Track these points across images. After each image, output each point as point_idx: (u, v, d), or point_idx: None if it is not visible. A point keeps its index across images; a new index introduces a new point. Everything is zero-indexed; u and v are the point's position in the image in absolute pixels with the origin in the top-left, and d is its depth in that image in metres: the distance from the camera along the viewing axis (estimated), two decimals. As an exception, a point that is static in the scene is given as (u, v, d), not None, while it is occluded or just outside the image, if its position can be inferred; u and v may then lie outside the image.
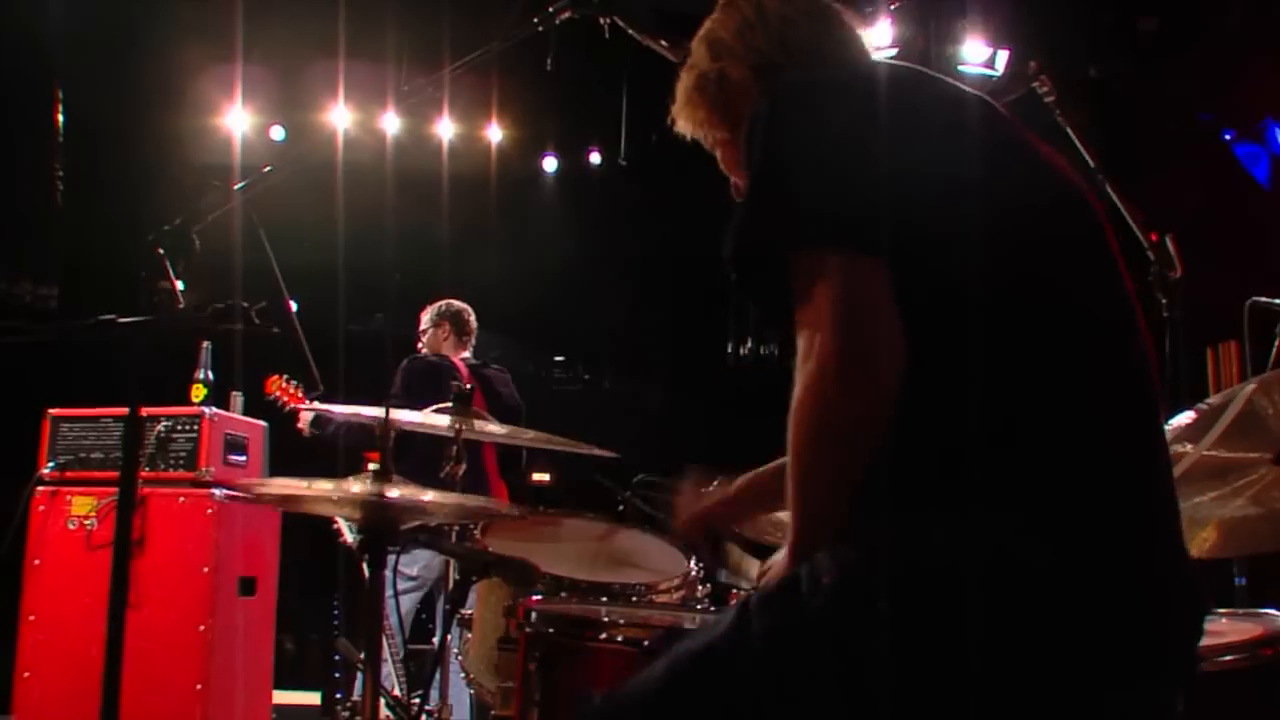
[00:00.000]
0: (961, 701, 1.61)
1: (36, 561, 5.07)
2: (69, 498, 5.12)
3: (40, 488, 5.13)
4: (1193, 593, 1.77)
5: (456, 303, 6.50)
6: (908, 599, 1.62)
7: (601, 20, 3.24)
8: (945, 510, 1.67)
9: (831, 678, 1.66)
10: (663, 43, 3.30)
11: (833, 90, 1.88)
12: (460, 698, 5.21)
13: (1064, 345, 1.76)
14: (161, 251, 3.06)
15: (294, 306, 5.21)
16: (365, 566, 2.78)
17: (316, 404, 6.20)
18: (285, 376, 6.35)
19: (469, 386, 3.79)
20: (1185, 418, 2.78)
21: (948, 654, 1.61)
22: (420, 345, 6.46)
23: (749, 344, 11.36)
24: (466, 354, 6.38)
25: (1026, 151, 1.93)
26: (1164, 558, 1.75)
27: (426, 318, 6.49)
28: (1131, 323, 1.88)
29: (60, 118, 9.13)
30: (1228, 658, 2.43)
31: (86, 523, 5.06)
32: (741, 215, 1.81)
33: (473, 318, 6.51)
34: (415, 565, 5.87)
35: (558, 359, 12.70)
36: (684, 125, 2.19)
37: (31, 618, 5.04)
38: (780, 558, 1.90)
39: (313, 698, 7.39)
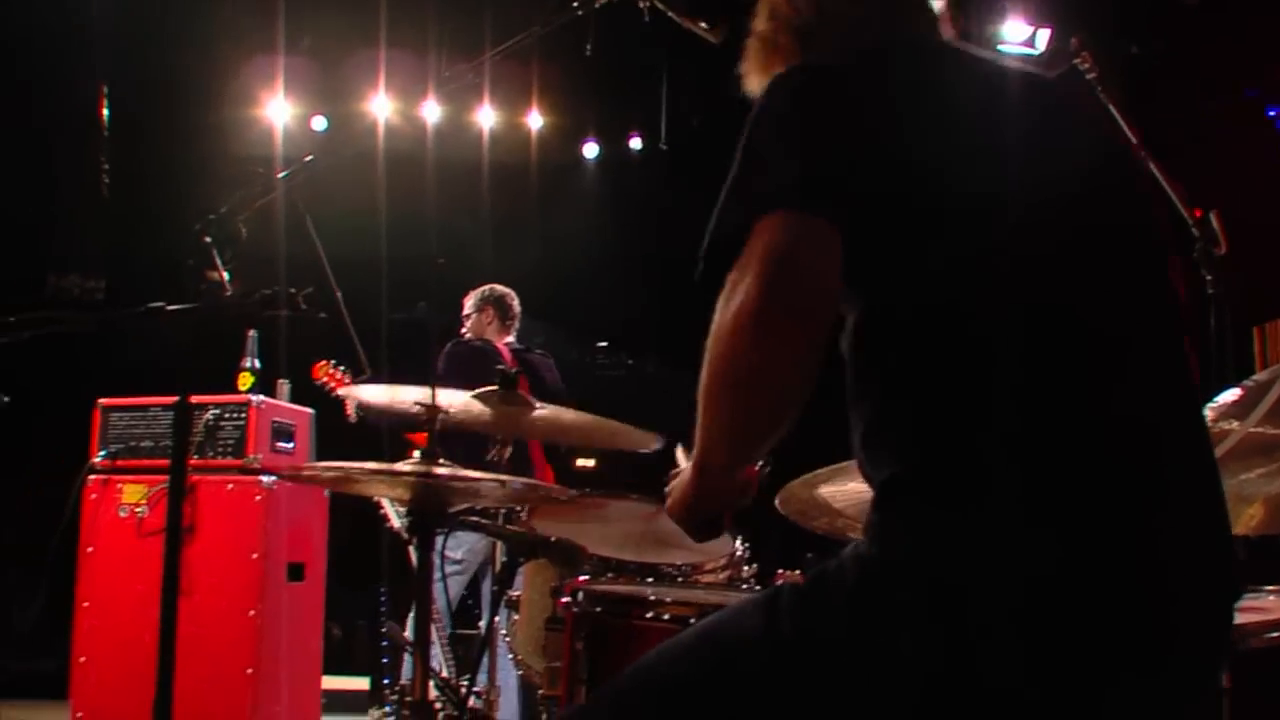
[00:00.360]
0: (976, 702, 1.61)
1: (90, 549, 5.13)
2: (120, 486, 5.18)
3: (92, 476, 5.19)
4: (1221, 591, 1.76)
5: (500, 287, 6.49)
6: (926, 605, 1.62)
7: (641, 3, 3.23)
8: (962, 508, 1.65)
9: (854, 678, 1.66)
10: (702, 25, 3.29)
11: (811, 74, 1.87)
12: (508, 680, 5.23)
13: (1084, 335, 1.73)
14: (208, 240, 3.07)
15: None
16: (413, 550, 2.80)
17: (363, 388, 6.22)
18: (332, 362, 6.38)
19: (515, 370, 3.79)
20: (1231, 395, 2.75)
21: (962, 656, 1.60)
22: (464, 330, 6.46)
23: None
24: (510, 338, 6.38)
25: (1064, 131, 1.91)
26: (1185, 555, 1.71)
27: (470, 303, 6.49)
28: (1164, 314, 1.85)
29: (105, 113, 9.20)
30: (1274, 635, 2.42)
31: (137, 510, 5.11)
32: (717, 207, 1.81)
33: (516, 302, 6.50)
34: (460, 549, 5.87)
35: (601, 345, 12.70)
36: (750, 87, 2.17)
37: (86, 604, 5.11)
38: (683, 478, 1.92)
39: (361, 683, 7.45)
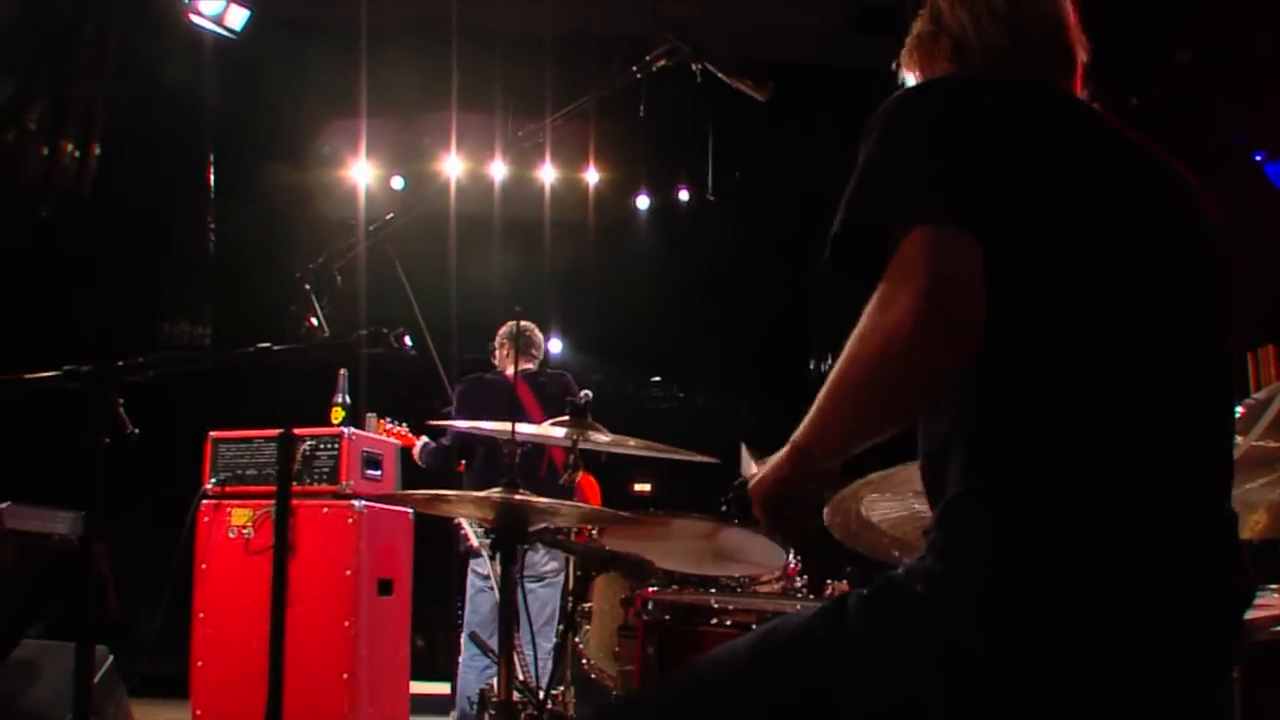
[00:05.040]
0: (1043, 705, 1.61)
1: (203, 566, 5.20)
2: (229, 510, 5.24)
3: (204, 501, 5.26)
4: (1233, 578, 1.75)
5: (522, 323, 6.40)
6: (989, 612, 1.61)
7: (694, 66, 3.24)
8: (1042, 523, 1.63)
9: (922, 680, 1.64)
10: (748, 83, 3.31)
11: (964, 89, 1.86)
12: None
13: (1162, 365, 1.74)
14: (308, 287, 3.11)
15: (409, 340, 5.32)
16: (496, 565, 2.81)
17: (423, 437, 6.32)
18: (389, 419, 6.43)
19: (582, 401, 3.81)
20: (1235, 412, 2.77)
21: (1030, 663, 1.60)
22: (495, 363, 6.42)
23: (829, 361, 11.33)
24: (530, 366, 6.32)
25: (1137, 155, 1.91)
26: (1218, 564, 1.72)
27: (496, 340, 6.48)
28: (1213, 317, 1.86)
29: (212, 176, 9.35)
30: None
31: (244, 531, 5.17)
32: (852, 193, 1.76)
33: (536, 334, 6.43)
34: (485, 565, 5.81)
35: (654, 379, 12.72)
36: (905, 77, 2.16)
37: (201, 615, 5.18)
38: (778, 458, 1.80)
39: (443, 687, 7.46)
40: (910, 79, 2.12)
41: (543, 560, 5.76)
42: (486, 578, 5.83)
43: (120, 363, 2.52)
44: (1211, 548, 1.72)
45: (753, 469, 2.38)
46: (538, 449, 5.67)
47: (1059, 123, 1.85)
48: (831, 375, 1.68)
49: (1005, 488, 1.66)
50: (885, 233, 1.69)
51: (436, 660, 8.61)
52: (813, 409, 1.72)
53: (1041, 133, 1.80)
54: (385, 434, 6.38)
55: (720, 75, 3.28)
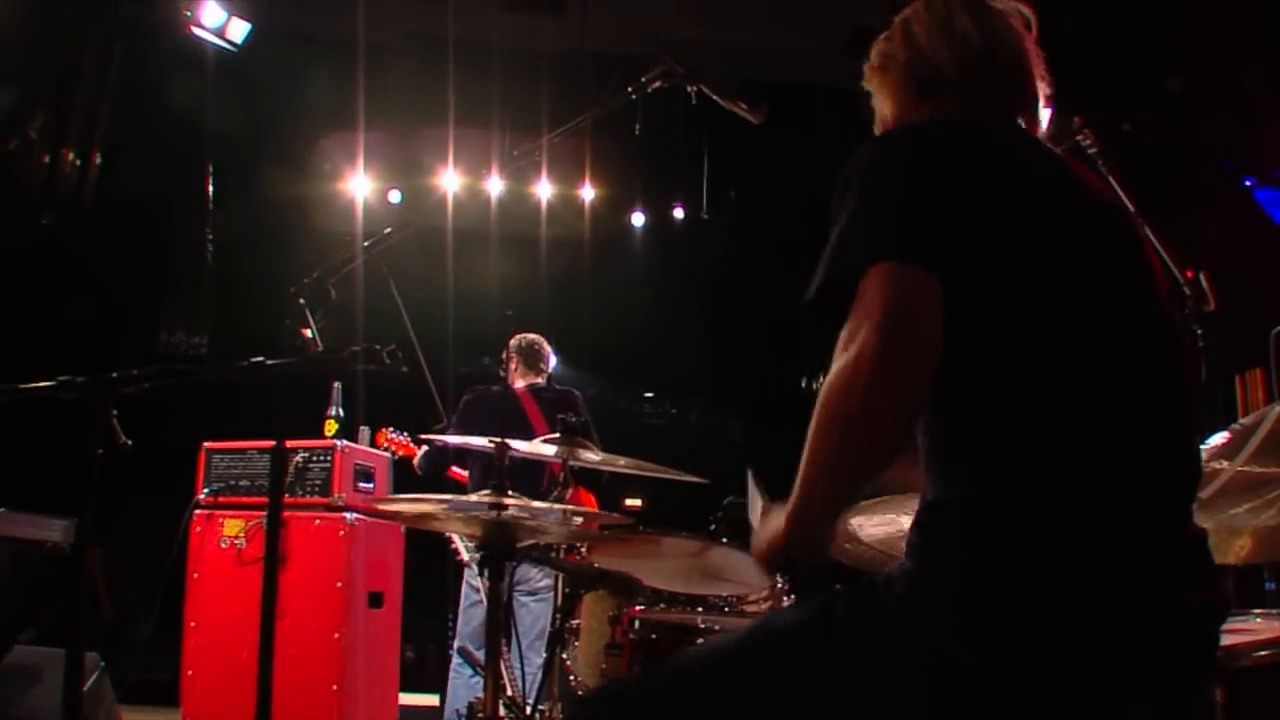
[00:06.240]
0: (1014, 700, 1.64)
1: (195, 575, 5.20)
2: (221, 520, 5.24)
3: (197, 511, 5.26)
4: (1201, 594, 1.77)
5: (530, 336, 6.40)
6: (963, 615, 1.66)
7: (689, 88, 3.26)
8: (1013, 532, 1.68)
9: (904, 673, 1.68)
10: (743, 106, 3.32)
11: (929, 137, 1.90)
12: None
13: (1128, 389, 1.78)
14: (302, 302, 3.11)
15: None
16: (466, 580, 2.82)
17: (424, 447, 6.33)
18: (391, 429, 6.44)
19: (573, 420, 3.81)
20: (1220, 438, 2.77)
21: (1004, 662, 1.64)
22: (503, 375, 6.43)
23: (821, 379, 11.33)
24: (539, 380, 6.33)
25: (1091, 194, 1.94)
26: (1187, 583, 1.76)
27: (505, 353, 6.48)
28: (1170, 343, 1.88)
29: (211, 189, 9.35)
30: (1264, 653, 2.45)
31: (236, 542, 5.17)
32: (830, 247, 1.80)
33: (545, 347, 6.40)
34: (479, 578, 5.82)
35: (647, 395, 12.72)
36: (866, 85, 2.18)
37: (193, 624, 5.17)
38: (774, 523, 1.83)
39: (432, 699, 7.43)
40: (873, 94, 2.16)
41: (538, 575, 5.75)
42: (479, 590, 5.83)
43: (115, 374, 2.53)
44: (1175, 564, 1.75)
45: (758, 502, 2.39)
46: (539, 463, 5.66)
47: (1019, 164, 1.89)
48: (810, 442, 1.71)
49: (977, 501, 1.71)
50: (854, 283, 1.72)
51: (426, 672, 8.59)
52: (799, 482, 1.74)
53: (1001, 173, 1.83)
54: (388, 444, 6.39)
55: (715, 98, 3.30)
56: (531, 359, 6.29)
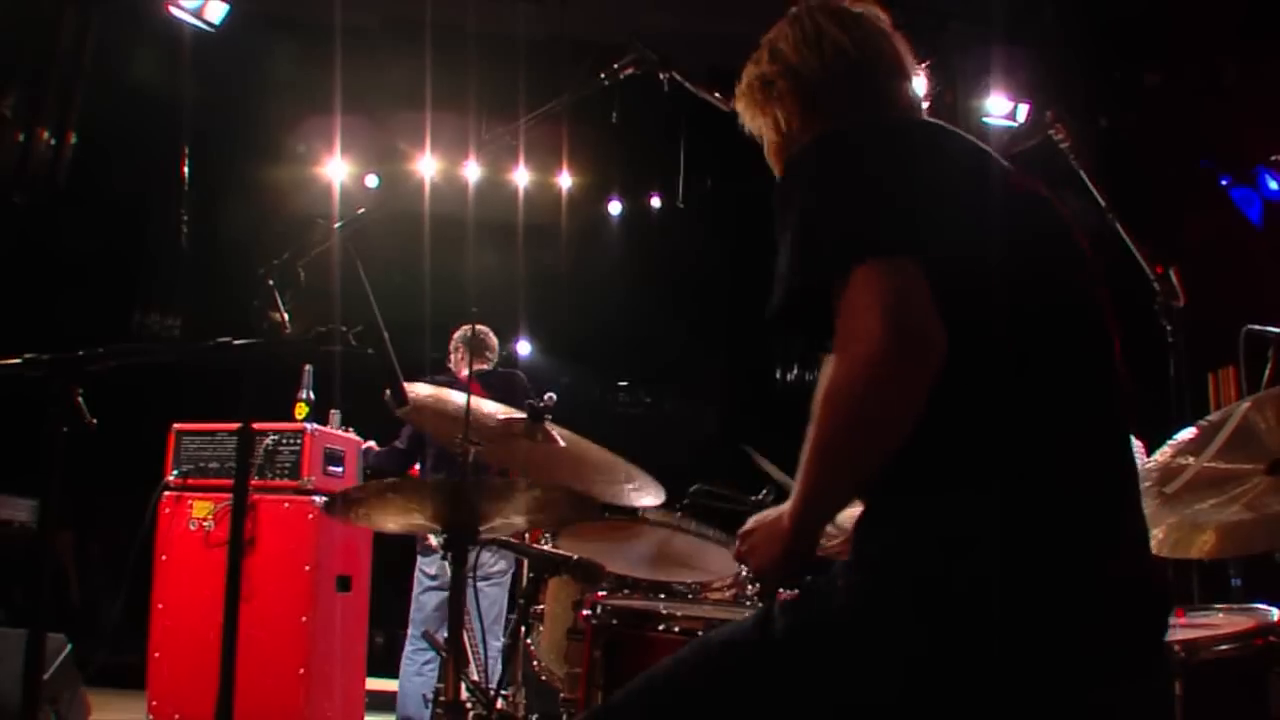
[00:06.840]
0: (959, 687, 1.64)
1: (163, 557, 5.19)
2: (190, 502, 5.23)
3: (166, 493, 5.24)
4: (1153, 591, 1.79)
5: (477, 326, 6.40)
6: (910, 599, 1.65)
7: (661, 76, 3.25)
8: (942, 509, 1.68)
9: (845, 671, 1.69)
10: (716, 95, 3.31)
11: (867, 135, 1.90)
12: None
13: (1059, 360, 1.78)
14: (271, 283, 3.10)
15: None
16: (448, 563, 2.81)
17: (369, 441, 6.28)
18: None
19: (539, 401, 3.77)
20: (1188, 433, 2.77)
21: (945, 645, 1.64)
22: (449, 366, 6.39)
23: (794, 370, 11.36)
24: (485, 366, 6.31)
25: (1029, 192, 1.95)
26: (1129, 568, 1.77)
27: (450, 344, 6.47)
28: (1108, 341, 1.89)
29: (186, 171, 9.30)
30: (1224, 647, 2.47)
31: (205, 524, 5.16)
32: (796, 252, 1.78)
33: (490, 337, 6.43)
34: (433, 564, 5.85)
35: (621, 384, 12.71)
36: (740, 111, 2.17)
37: (160, 606, 5.17)
38: (768, 515, 1.86)
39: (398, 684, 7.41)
40: (749, 121, 2.15)
41: (491, 560, 5.75)
42: (434, 577, 5.84)
43: (80, 353, 2.51)
44: (1119, 560, 1.75)
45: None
46: None
47: (953, 153, 1.89)
48: (813, 439, 1.69)
49: (920, 500, 1.71)
50: (826, 289, 1.71)
51: (394, 657, 8.56)
52: (800, 479, 1.73)
53: (940, 163, 1.85)
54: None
55: (687, 85, 3.30)
56: (478, 347, 6.29)
